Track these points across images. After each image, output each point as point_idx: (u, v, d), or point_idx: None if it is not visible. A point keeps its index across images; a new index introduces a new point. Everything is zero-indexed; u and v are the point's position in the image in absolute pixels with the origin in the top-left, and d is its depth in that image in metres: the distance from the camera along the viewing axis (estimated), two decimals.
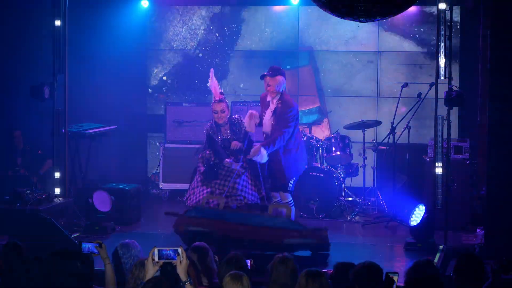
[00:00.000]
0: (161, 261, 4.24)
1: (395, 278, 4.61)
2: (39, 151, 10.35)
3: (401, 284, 5.22)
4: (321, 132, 11.19)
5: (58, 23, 9.06)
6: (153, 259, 4.25)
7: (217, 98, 8.40)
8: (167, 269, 4.25)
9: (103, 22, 11.12)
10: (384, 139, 10.19)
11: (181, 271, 4.22)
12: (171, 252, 4.22)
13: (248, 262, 5.19)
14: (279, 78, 8.22)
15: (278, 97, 8.27)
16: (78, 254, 4.94)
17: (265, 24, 11.69)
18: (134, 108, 11.74)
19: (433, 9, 10.67)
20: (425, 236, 8.25)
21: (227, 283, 4.45)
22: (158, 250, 4.23)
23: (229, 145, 8.40)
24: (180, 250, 4.23)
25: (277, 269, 4.87)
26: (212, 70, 8.54)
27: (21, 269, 5.06)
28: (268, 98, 8.36)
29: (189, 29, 11.85)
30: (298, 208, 9.50)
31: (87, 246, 5.08)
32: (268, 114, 8.32)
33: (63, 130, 9.17)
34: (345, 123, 10.62)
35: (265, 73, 8.30)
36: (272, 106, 8.30)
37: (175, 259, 4.22)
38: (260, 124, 8.43)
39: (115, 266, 5.30)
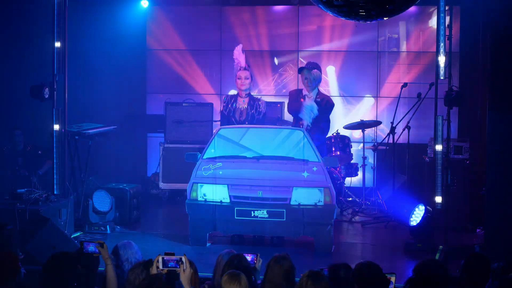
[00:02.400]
0: (165, 269, 4.25)
1: (393, 278, 4.60)
2: (39, 151, 10.34)
3: (400, 284, 5.21)
4: None
5: (58, 22, 9.06)
6: (157, 267, 4.25)
7: (242, 65, 8.86)
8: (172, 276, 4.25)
9: (103, 22, 11.12)
10: (384, 139, 10.19)
11: (185, 279, 4.23)
12: (175, 261, 4.23)
13: (254, 257, 5.17)
14: (316, 72, 8.86)
15: (316, 90, 8.88)
16: (78, 257, 4.94)
17: (264, 23, 11.71)
18: (134, 108, 11.74)
19: (433, 9, 10.68)
20: (425, 236, 8.24)
21: (225, 282, 4.45)
22: (163, 258, 4.24)
23: (240, 115, 8.80)
24: (184, 258, 4.24)
25: (272, 268, 4.85)
26: (240, 45, 9.07)
27: None
28: (304, 92, 8.94)
29: (189, 28, 11.86)
30: None
31: (89, 246, 5.09)
32: (308, 104, 8.81)
33: (63, 130, 9.17)
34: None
35: (303, 66, 9.02)
36: (310, 99, 8.81)
37: (179, 268, 4.22)
38: None
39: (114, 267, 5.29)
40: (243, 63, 8.89)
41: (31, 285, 5.18)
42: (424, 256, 7.85)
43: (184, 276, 4.24)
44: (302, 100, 8.88)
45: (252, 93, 9.04)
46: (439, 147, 8.03)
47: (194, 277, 4.83)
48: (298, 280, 4.53)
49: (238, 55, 8.93)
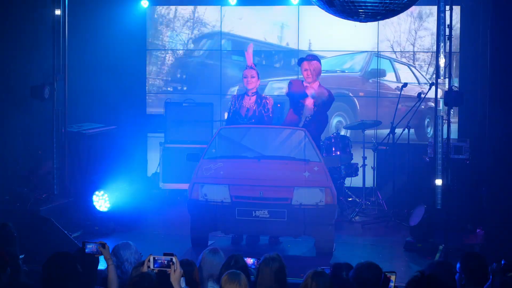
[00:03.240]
0: (156, 269, 4.27)
1: (393, 277, 4.59)
2: (39, 151, 10.33)
3: (403, 284, 5.21)
4: None
5: (58, 22, 9.07)
6: (148, 267, 4.28)
7: (249, 65, 8.88)
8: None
9: (103, 22, 11.13)
10: (384, 139, 10.19)
11: (174, 280, 4.25)
12: (165, 261, 4.25)
13: (256, 261, 5.17)
14: (316, 63, 8.87)
15: (318, 83, 8.88)
16: (78, 257, 4.94)
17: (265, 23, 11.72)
18: (134, 108, 11.74)
19: (433, 9, 10.67)
20: (425, 236, 8.25)
21: (224, 282, 4.45)
22: (154, 258, 4.26)
23: (247, 112, 8.73)
24: (174, 259, 4.26)
25: (262, 270, 4.83)
26: (251, 44, 9.24)
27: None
28: (305, 84, 8.94)
29: (189, 29, 11.86)
30: None
31: (90, 246, 5.11)
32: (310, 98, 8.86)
33: (63, 130, 9.17)
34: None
35: (303, 57, 9.03)
36: (312, 91, 8.83)
37: (169, 268, 4.25)
38: None
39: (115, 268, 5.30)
40: (249, 62, 8.90)
41: (31, 284, 5.18)
42: (424, 256, 7.88)
43: (174, 276, 4.26)
44: (305, 90, 8.86)
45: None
46: (439, 147, 8.03)
47: (195, 277, 4.85)
48: (302, 281, 4.52)
49: (246, 54, 9.00)
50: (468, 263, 4.99)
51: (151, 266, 4.27)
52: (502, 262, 5.16)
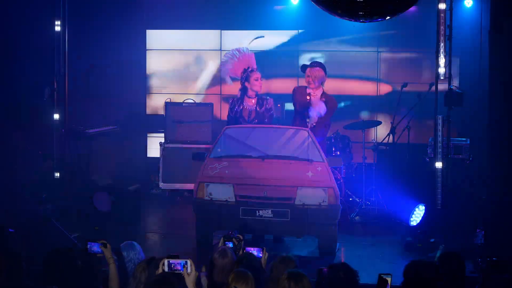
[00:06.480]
0: (171, 272, 4.27)
1: (389, 279, 4.58)
2: (40, 151, 10.34)
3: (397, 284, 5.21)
4: None
5: (58, 24, 9.09)
6: (163, 270, 4.28)
7: (255, 67, 8.92)
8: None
9: (103, 22, 11.13)
10: (384, 139, 10.19)
11: (190, 282, 4.25)
12: (180, 264, 4.25)
13: (260, 251, 5.19)
14: (319, 69, 8.85)
15: (321, 90, 8.89)
16: (79, 253, 4.95)
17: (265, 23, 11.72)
18: (134, 108, 11.75)
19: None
20: (425, 236, 8.24)
21: (232, 280, 4.45)
22: (168, 261, 4.27)
23: (249, 115, 8.76)
24: (189, 262, 4.26)
25: (276, 268, 4.84)
26: (247, 48, 9.19)
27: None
28: (308, 90, 8.95)
29: (189, 27, 11.88)
30: None
31: (93, 247, 5.12)
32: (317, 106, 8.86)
33: (63, 130, 9.18)
34: None
35: (307, 64, 9.04)
36: (316, 99, 8.85)
37: (183, 271, 4.25)
38: None
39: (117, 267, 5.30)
40: (255, 64, 8.92)
41: (32, 285, 5.18)
42: (424, 256, 7.88)
43: (189, 279, 4.26)
44: (308, 98, 8.87)
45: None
46: (439, 147, 8.03)
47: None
48: (279, 283, 4.49)
49: (249, 58, 8.96)
50: (445, 262, 5.02)
51: (166, 269, 4.27)
52: (492, 261, 5.17)
